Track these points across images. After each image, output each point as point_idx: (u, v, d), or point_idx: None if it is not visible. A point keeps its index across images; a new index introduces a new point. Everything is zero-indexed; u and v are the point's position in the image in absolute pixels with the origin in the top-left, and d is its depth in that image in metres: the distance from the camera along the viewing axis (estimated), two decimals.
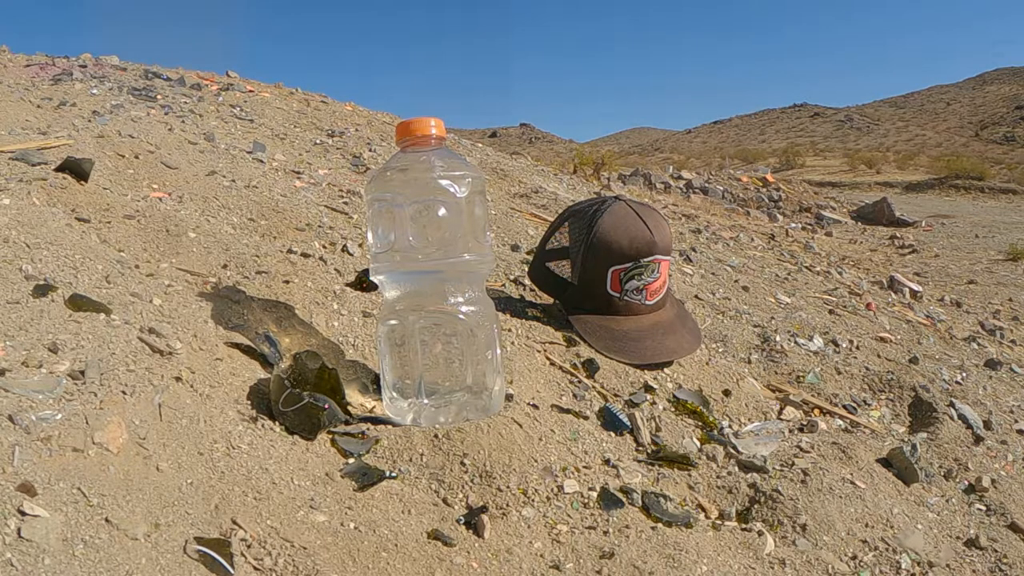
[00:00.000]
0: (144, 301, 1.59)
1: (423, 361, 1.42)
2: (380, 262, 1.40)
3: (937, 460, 1.84)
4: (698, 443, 1.69)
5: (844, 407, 2.02)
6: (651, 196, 7.22)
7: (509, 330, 1.93)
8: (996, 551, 1.53)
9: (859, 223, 8.74)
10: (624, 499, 1.40)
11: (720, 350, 2.19)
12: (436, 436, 1.44)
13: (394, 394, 1.45)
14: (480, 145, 6.12)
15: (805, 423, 1.87)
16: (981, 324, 3.72)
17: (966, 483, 1.76)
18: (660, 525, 1.37)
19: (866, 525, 1.49)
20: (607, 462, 1.51)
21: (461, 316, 1.40)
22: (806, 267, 4.34)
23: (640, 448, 1.60)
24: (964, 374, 2.45)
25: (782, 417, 1.90)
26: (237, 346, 1.58)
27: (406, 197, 1.33)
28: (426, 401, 1.43)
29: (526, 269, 2.34)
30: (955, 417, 2.05)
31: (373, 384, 1.63)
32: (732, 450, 1.67)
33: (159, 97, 4.07)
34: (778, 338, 2.33)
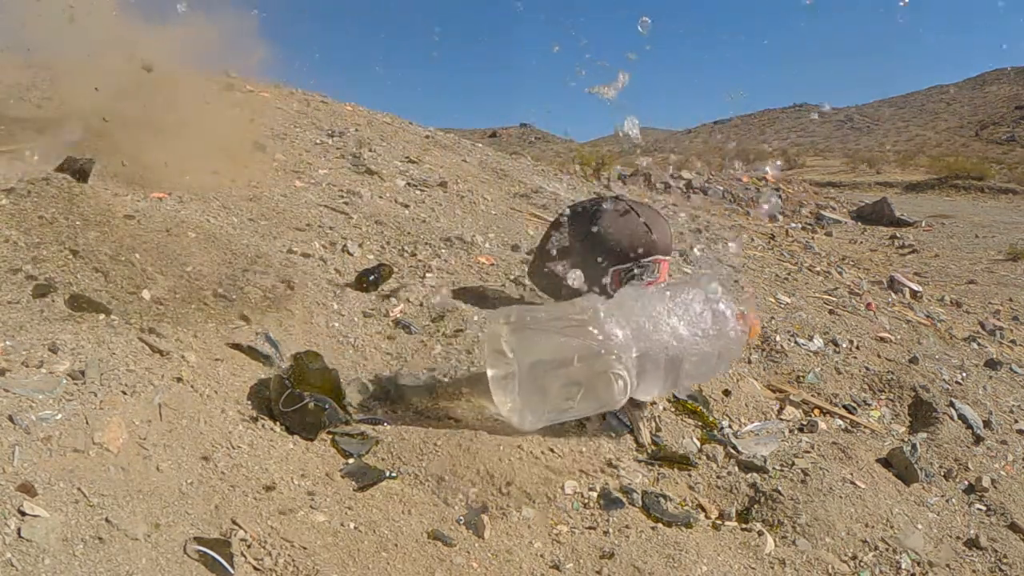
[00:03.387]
0: (144, 301, 1.59)
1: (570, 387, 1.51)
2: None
3: (937, 460, 1.85)
4: (698, 443, 1.69)
5: (844, 407, 2.02)
6: (651, 196, 7.23)
7: None
8: (996, 551, 1.53)
9: (859, 223, 8.73)
10: (624, 499, 1.41)
11: None
12: (436, 436, 1.44)
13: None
14: (480, 145, 6.11)
15: (805, 423, 1.88)
16: (981, 324, 3.71)
17: (966, 483, 1.76)
18: (660, 525, 1.37)
19: (866, 525, 1.49)
20: (607, 462, 1.51)
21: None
22: (806, 267, 4.34)
23: (640, 448, 1.61)
24: (964, 374, 2.45)
25: (782, 417, 1.90)
26: (238, 346, 1.58)
27: None
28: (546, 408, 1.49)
29: (526, 269, 2.34)
30: (955, 417, 2.05)
31: (373, 384, 1.63)
32: (732, 450, 1.67)
33: None
34: (778, 338, 2.33)
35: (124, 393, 1.24)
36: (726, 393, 1.92)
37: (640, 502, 1.41)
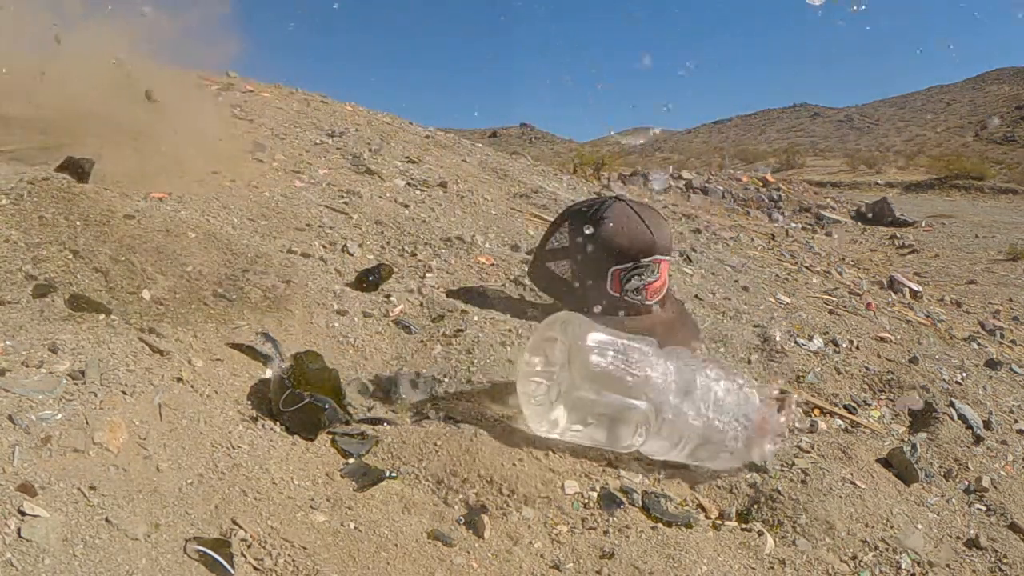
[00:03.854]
0: (144, 301, 1.59)
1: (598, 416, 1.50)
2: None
3: (937, 460, 1.84)
4: None
5: (844, 407, 2.02)
6: (651, 196, 7.24)
7: (510, 330, 1.93)
8: (996, 551, 1.53)
9: (859, 223, 8.75)
10: (624, 499, 1.41)
11: (720, 350, 2.19)
12: (436, 436, 1.44)
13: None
14: (480, 145, 6.11)
15: (805, 423, 1.87)
16: (981, 324, 3.72)
17: (966, 483, 1.76)
18: (660, 525, 1.37)
19: (866, 525, 1.49)
20: (608, 462, 1.51)
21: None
22: (806, 267, 4.34)
23: None
24: (964, 374, 2.45)
25: None
26: (238, 346, 1.58)
27: None
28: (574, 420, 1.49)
29: (526, 269, 2.34)
30: (955, 417, 2.05)
31: (373, 384, 1.63)
32: None
33: None
34: (778, 338, 2.33)
35: (124, 393, 1.24)
36: None
37: (640, 502, 1.41)
